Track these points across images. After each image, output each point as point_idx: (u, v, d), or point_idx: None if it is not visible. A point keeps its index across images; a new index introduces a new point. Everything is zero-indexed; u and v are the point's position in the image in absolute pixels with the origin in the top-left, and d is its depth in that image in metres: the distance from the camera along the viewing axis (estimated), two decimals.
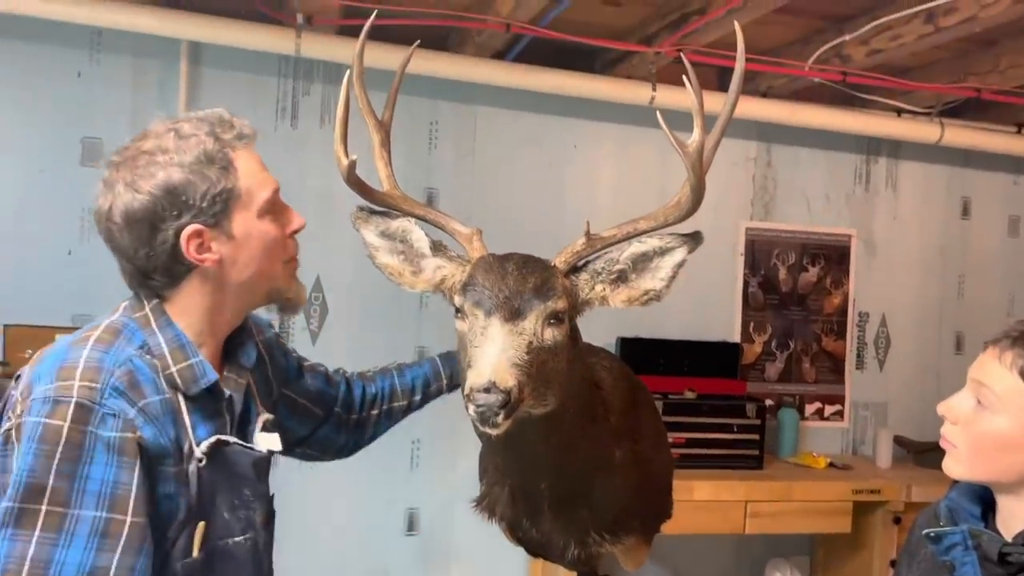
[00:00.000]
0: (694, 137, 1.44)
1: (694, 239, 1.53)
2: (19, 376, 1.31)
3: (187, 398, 1.28)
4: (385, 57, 2.68)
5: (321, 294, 3.26)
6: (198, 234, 1.27)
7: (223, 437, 1.31)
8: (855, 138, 3.85)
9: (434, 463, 3.40)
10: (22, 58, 2.95)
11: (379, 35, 2.57)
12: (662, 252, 1.54)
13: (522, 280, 1.44)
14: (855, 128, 3.66)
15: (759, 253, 3.82)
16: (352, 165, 1.53)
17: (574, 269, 1.56)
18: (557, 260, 1.54)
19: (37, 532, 1.12)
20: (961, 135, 3.72)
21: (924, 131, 3.68)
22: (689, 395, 3.46)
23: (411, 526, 3.39)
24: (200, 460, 1.27)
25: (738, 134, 3.68)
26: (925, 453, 3.71)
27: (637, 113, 3.43)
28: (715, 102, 1.57)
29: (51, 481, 1.13)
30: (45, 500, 1.13)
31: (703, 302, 3.68)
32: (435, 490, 3.40)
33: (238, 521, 1.36)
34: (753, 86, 3.51)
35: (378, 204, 1.62)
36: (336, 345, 3.28)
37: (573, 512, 1.77)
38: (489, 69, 3.15)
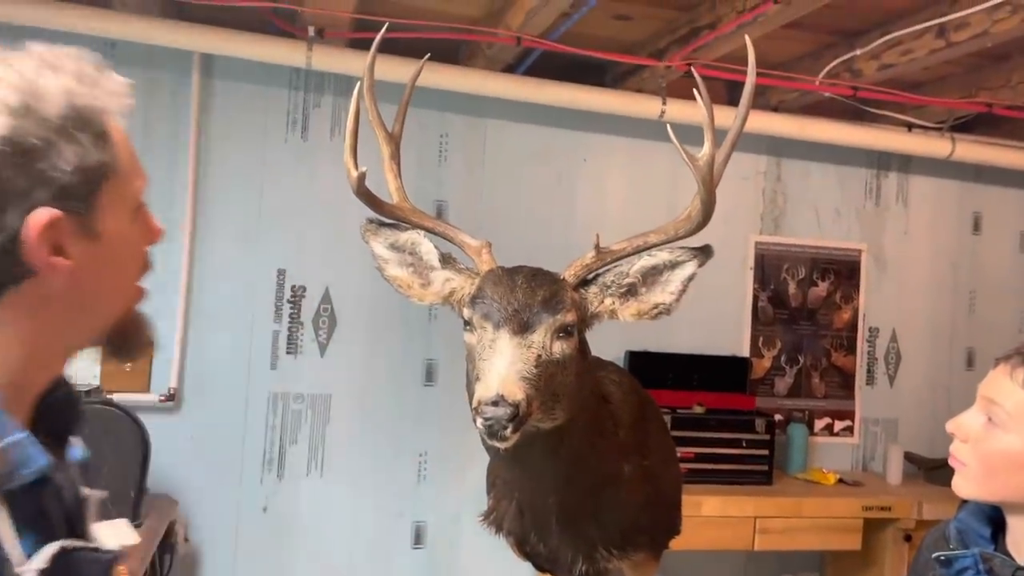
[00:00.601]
0: (705, 150, 1.44)
1: (704, 253, 1.52)
2: None
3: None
4: (395, 70, 2.69)
5: (330, 306, 3.26)
6: (53, 224, 0.81)
7: (66, 544, 0.84)
8: (865, 153, 3.84)
9: (441, 477, 3.38)
10: None
11: (389, 48, 2.58)
12: (672, 265, 1.54)
13: (531, 293, 1.44)
14: (866, 143, 3.64)
15: (769, 267, 3.81)
16: (362, 177, 1.53)
17: (583, 282, 1.55)
18: (566, 273, 1.54)
19: None
20: (972, 150, 3.71)
21: (935, 146, 3.66)
22: (698, 410, 3.44)
23: (418, 539, 3.37)
24: None
25: (748, 148, 3.67)
26: (936, 470, 3.67)
27: (647, 127, 3.43)
28: (725, 116, 1.56)
29: None
30: None
31: (712, 316, 3.67)
32: (442, 504, 3.39)
33: None
34: (764, 100, 3.51)
35: (387, 216, 1.62)
36: (345, 357, 3.28)
37: (581, 527, 1.75)
38: (499, 82, 3.16)
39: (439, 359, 3.39)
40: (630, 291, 1.56)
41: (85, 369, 2.95)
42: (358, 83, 1.58)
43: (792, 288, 3.84)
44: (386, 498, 3.33)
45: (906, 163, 3.95)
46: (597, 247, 1.54)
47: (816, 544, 3.47)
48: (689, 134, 1.45)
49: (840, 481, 3.58)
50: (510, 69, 3.22)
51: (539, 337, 1.41)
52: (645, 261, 1.54)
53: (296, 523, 3.24)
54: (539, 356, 1.40)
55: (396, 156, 1.65)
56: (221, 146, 3.15)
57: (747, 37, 1.48)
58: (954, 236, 4.05)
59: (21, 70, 0.86)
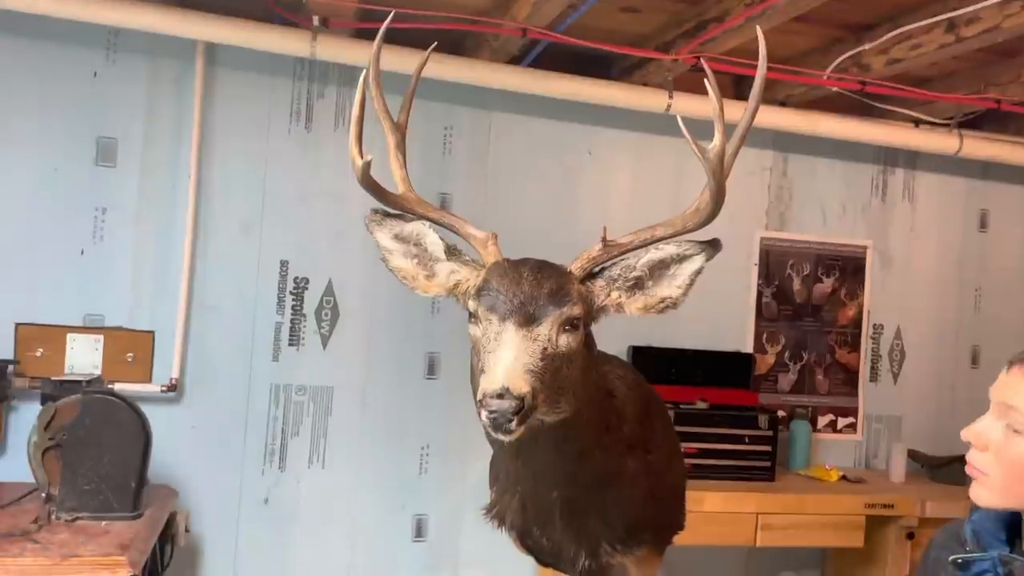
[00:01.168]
0: (715, 143, 1.42)
1: (713, 246, 1.51)
2: None
3: None
4: (400, 61, 2.67)
5: (332, 297, 3.25)
6: None
7: None
8: (872, 148, 3.82)
9: (443, 470, 3.37)
10: (38, 57, 2.95)
11: (394, 38, 2.57)
12: (680, 259, 1.52)
13: (537, 285, 1.42)
14: (873, 138, 3.62)
15: (773, 263, 3.79)
16: (367, 166, 1.51)
17: (590, 275, 1.54)
18: (573, 266, 1.52)
19: None
20: (980, 147, 3.68)
21: (943, 142, 3.64)
22: (701, 405, 3.42)
23: (419, 532, 3.37)
24: None
25: (754, 143, 3.65)
26: (940, 468, 3.66)
27: (653, 121, 3.41)
28: (732, 110, 1.54)
29: None
30: None
31: (716, 311, 3.65)
32: (443, 497, 3.38)
33: None
34: (771, 95, 3.49)
35: (392, 206, 1.61)
36: (347, 349, 3.27)
37: (584, 522, 1.74)
38: (505, 74, 3.13)
39: (441, 352, 3.37)
40: (637, 285, 1.55)
41: (86, 359, 2.95)
42: (364, 71, 1.57)
43: (797, 284, 3.82)
44: (388, 491, 3.32)
45: (913, 159, 3.93)
46: (604, 240, 1.52)
47: (818, 541, 3.46)
48: (695, 129, 1.43)
49: (843, 478, 3.56)
50: (516, 61, 3.20)
51: (545, 330, 1.40)
52: (652, 254, 1.53)
53: (297, 515, 3.23)
54: (545, 349, 1.39)
55: (402, 146, 1.63)
56: (224, 136, 3.13)
57: (758, 28, 1.46)
58: (960, 233, 4.03)
59: None
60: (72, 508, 2.40)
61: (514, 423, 1.30)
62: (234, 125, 3.14)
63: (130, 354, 3.01)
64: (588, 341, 1.53)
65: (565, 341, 1.42)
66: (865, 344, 3.91)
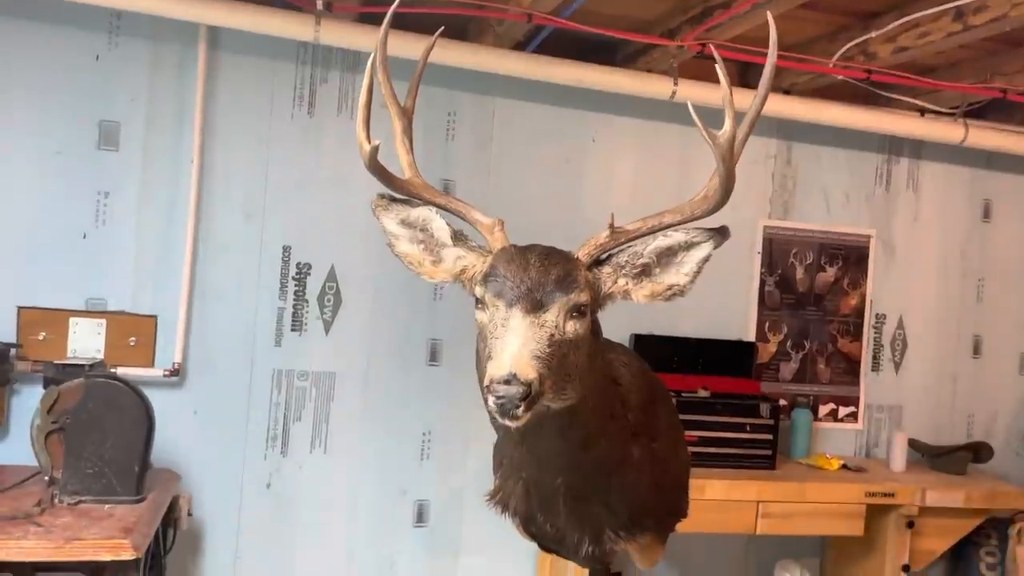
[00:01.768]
0: (725, 129, 1.41)
1: (721, 234, 1.50)
2: None
3: None
4: (403, 45, 2.66)
5: (335, 284, 3.24)
6: None
7: None
8: (877, 137, 3.81)
9: (444, 456, 3.38)
10: (41, 40, 2.93)
11: (397, 23, 2.54)
12: (688, 246, 1.52)
13: (544, 272, 1.42)
14: (877, 127, 3.61)
15: (776, 252, 3.78)
16: (375, 150, 1.50)
17: (597, 262, 1.54)
18: (580, 252, 1.52)
19: None
20: (985, 136, 3.67)
21: (948, 131, 3.63)
22: (702, 393, 3.43)
23: (420, 518, 3.37)
24: None
25: (759, 131, 3.59)
26: (940, 457, 3.67)
27: (657, 108, 3.40)
28: (738, 98, 1.53)
29: None
30: None
31: (719, 300, 3.65)
32: (445, 482, 3.39)
33: None
34: (776, 82, 3.47)
35: (399, 192, 1.60)
36: (349, 336, 3.26)
37: (588, 509, 1.75)
38: (509, 60, 3.11)
39: (443, 339, 3.37)
40: (644, 272, 1.55)
41: (89, 343, 2.94)
42: (371, 55, 1.56)
43: (800, 273, 3.81)
44: (389, 476, 3.33)
45: (917, 149, 3.92)
46: (611, 227, 1.52)
47: (818, 529, 3.47)
48: (699, 117, 1.42)
49: (843, 467, 3.57)
50: (520, 47, 3.18)
51: (552, 316, 1.40)
52: (660, 241, 1.52)
53: (299, 500, 3.23)
54: (552, 335, 1.38)
55: (408, 131, 1.62)
56: (227, 120, 3.12)
57: (769, 14, 1.45)
58: (964, 223, 4.03)
59: None
60: (75, 491, 2.41)
61: (521, 409, 1.30)
62: (237, 109, 3.12)
63: (133, 338, 3.01)
64: (595, 328, 1.53)
65: (572, 328, 1.42)
66: (867, 333, 3.91)
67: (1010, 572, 3.69)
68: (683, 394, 3.38)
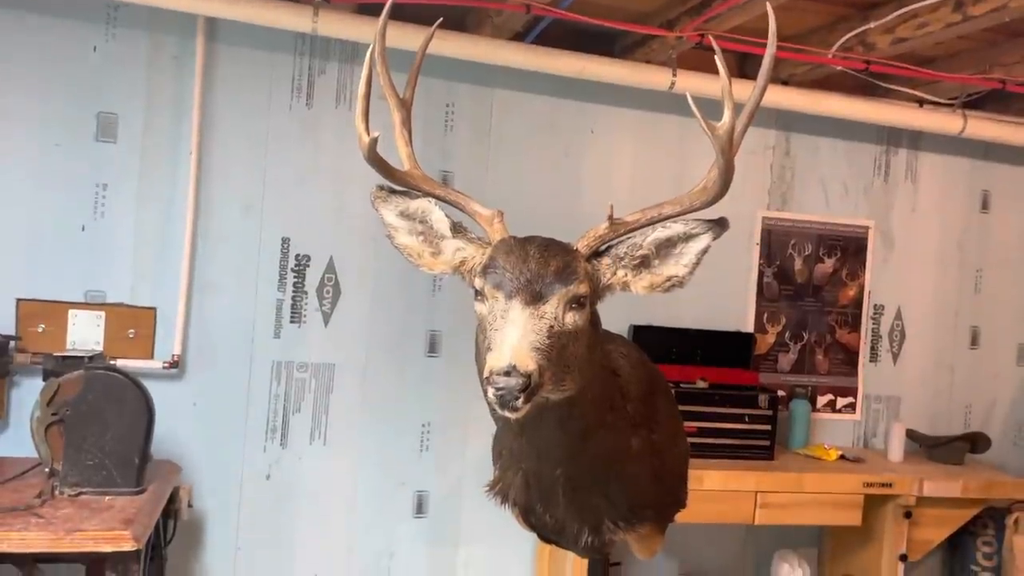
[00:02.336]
0: (724, 120, 1.41)
1: (720, 225, 1.50)
2: None
3: None
4: (400, 36, 2.65)
5: (334, 275, 3.25)
6: None
7: None
8: (875, 128, 3.80)
9: (443, 447, 3.39)
10: (38, 32, 2.93)
11: (395, 14, 2.54)
12: (687, 238, 1.52)
13: (544, 263, 1.42)
14: (876, 118, 3.60)
15: (775, 243, 3.78)
16: (374, 142, 1.50)
17: (596, 253, 1.54)
18: (579, 244, 1.52)
19: None
20: (984, 127, 3.67)
21: (946, 122, 3.62)
22: (701, 384, 3.43)
23: (419, 509, 3.39)
24: None
25: (757, 122, 3.57)
26: (938, 448, 3.68)
27: (656, 99, 3.40)
28: (737, 89, 1.53)
29: None
30: None
31: (717, 291, 3.66)
32: (444, 473, 3.40)
33: None
34: (774, 73, 3.46)
35: (398, 183, 1.60)
36: (348, 327, 3.27)
37: (588, 499, 1.75)
38: (507, 51, 3.11)
39: (442, 330, 3.38)
40: (643, 263, 1.55)
41: (88, 335, 2.95)
42: (370, 47, 1.56)
43: (798, 264, 3.82)
44: (388, 468, 3.34)
45: (916, 140, 3.92)
46: (610, 218, 1.52)
47: (816, 519, 3.48)
48: (697, 108, 1.42)
49: (841, 457, 3.58)
50: (518, 38, 3.18)
51: (551, 308, 1.40)
52: (659, 233, 1.52)
53: (299, 491, 3.24)
54: (551, 327, 1.39)
55: (407, 123, 1.62)
56: (225, 112, 3.11)
57: (768, 5, 1.45)
58: (962, 214, 4.03)
59: None
60: (75, 483, 2.41)
61: (521, 400, 1.30)
62: (235, 101, 3.12)
63: (132, 330, 3.01)
64: (594, 319, 1.53)
65: (571, 319, 1.42)
66: (865, 324, 3.91)
67: (1007, 562, 3.71)
68: (682, 385, 3.39)
